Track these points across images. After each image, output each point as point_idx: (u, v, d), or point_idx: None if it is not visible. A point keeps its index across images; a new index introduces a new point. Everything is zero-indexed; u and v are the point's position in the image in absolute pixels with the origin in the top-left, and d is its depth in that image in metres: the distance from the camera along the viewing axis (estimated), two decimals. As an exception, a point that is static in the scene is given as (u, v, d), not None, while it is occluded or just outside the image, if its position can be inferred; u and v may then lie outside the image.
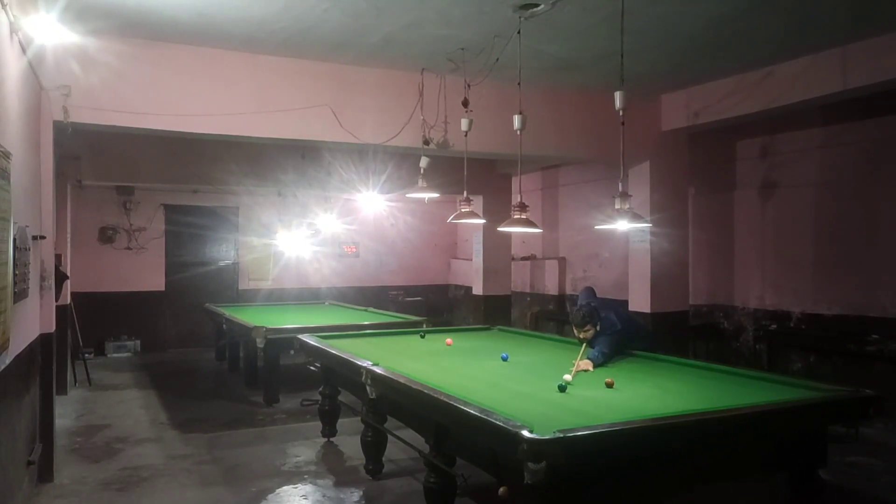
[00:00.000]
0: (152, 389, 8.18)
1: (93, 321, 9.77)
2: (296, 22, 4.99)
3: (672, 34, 5.24)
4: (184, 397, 7.69)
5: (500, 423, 2.91)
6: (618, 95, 3.93)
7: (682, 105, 7.04)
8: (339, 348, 5.33)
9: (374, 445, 4.92)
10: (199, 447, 5.78)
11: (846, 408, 3.66)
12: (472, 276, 10.17)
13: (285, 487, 4.84)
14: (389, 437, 4.84)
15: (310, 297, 11.51)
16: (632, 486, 3.06)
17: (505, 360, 4.85)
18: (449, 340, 5.77)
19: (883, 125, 6.65)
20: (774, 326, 7.53)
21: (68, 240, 8.46)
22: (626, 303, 7.76)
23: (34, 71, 4.63)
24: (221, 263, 11.73)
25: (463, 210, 5.57)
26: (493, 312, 9.04)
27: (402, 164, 8.55)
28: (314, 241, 11.61)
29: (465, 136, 5.55)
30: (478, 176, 8.89)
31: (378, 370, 4.34)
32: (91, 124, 5.27)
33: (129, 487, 4.84)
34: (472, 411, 3.17)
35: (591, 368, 4.46)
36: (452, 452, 3.77)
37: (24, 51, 4.10)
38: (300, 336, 6.14)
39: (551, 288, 10.65)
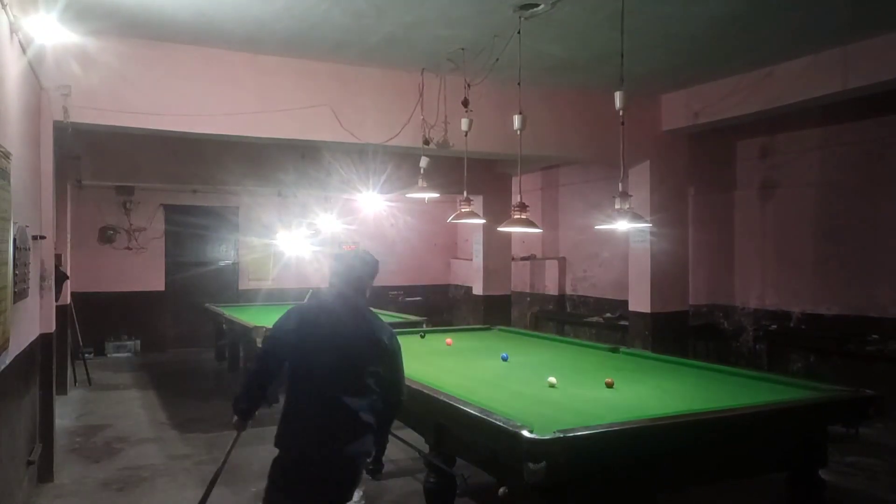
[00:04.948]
0: (152, 389, 8.18)
1: (93, 321, 9.76)
2: (297, 22, 4.99)
3: (672, 34, 5.24)
4: (184, 397, 7.68)
5: (500, 423, 2.91)
6: (618, 95, 3.93)
7: (683, 105, 7.04)
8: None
9: (373, 445, 4.91)
10: (199, 447, 5.78)
11: (846, 408, 3.67)
12: (472, 276, 10.17)
13: (285, 487, 4.82)
14: (389, 437, 4.82)
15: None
16: (631, 486, 3.06)
17: (505, 360, 4.85)
18: (449, 340, 5.77)
19: (883, 125, 6.65)
20: (774, 326, 7.52)
21: (68, 240, 8.45)
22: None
23: (34, 71, 4.63)
24: (221, 263, 11.73)
25: (463, 210, 5.56)
26: (493, 312, 9.04)
27: (402, 164, 8.54)
28: (314, 241, 11.60)
29: (465, 136, 5.55)
30: (478, 176, 8.88)
31: (378, 370, 4.33)
32: (91, 124, 5.27)
33: (129, 487, 4.84)
34: (472, 411, 3.17)
35: None
36: (452, 452, 3.77)
37: (24, 51, 4.10)
38: (300, 336, 6.12)
39: (551, 288, 10.64)
